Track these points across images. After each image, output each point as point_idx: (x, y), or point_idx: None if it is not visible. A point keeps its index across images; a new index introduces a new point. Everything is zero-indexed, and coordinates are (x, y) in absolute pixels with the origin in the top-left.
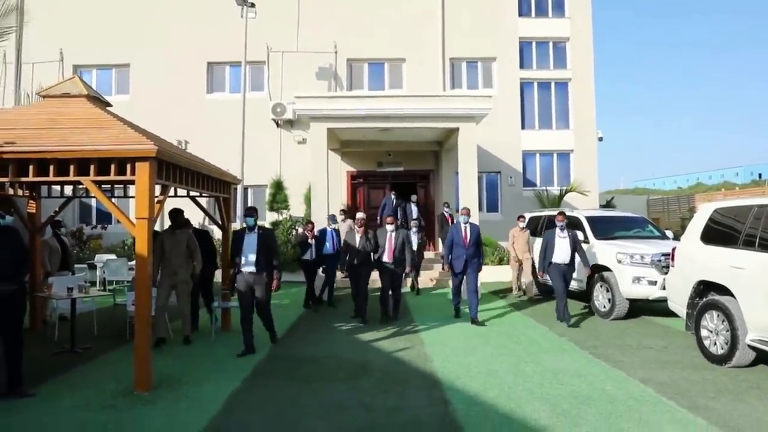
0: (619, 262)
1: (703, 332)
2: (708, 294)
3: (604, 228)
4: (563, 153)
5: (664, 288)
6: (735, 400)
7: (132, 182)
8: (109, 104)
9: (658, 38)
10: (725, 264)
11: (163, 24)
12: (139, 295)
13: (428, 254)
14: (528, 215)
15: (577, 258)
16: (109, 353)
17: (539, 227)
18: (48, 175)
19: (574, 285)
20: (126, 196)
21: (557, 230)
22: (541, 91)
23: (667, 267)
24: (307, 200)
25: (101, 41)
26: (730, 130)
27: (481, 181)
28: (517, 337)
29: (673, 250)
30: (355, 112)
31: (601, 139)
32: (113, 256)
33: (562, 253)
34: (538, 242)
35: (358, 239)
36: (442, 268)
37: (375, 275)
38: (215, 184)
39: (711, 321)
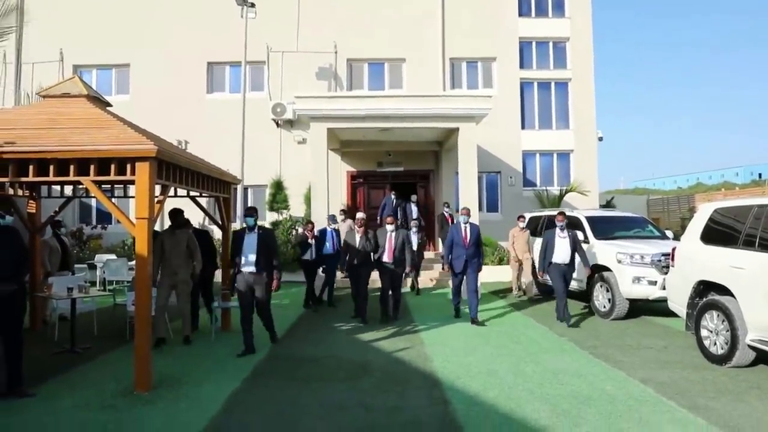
0: (619, 262)
1: (703, 332)
2: (708, 294)
3: (604, 228)
4: (563, 153)
5: (664, 288)
6: (735, 400)
7: (132, 182)
8: (109, 104)
9: (658, 38)
10: (725, 264)
11: (163, 24)
12: (139, 295)
13: (428, 254)
14: (528, 215)
15: (577, 258)
16: (109, 353)
17: (539, 227)
18: (48, 175)
19: (574, 285)
20: (126, 196)
21: (557, 230)
22: (541, 91)
23: (667, 267)
24: (307, 200)
25: (101, 41)
26: (730, 130)
27: (481, 181)
28: (517, 337)
29: (673, 250)
30: (355, 112)
31: (601, 139)
32: (113, 256)
33: (562, 253)
34: (538, 242)
35: (358, 239)
36: (442, 268)
37: (375, 275)
38: (215, 184)
39: (711, 321)
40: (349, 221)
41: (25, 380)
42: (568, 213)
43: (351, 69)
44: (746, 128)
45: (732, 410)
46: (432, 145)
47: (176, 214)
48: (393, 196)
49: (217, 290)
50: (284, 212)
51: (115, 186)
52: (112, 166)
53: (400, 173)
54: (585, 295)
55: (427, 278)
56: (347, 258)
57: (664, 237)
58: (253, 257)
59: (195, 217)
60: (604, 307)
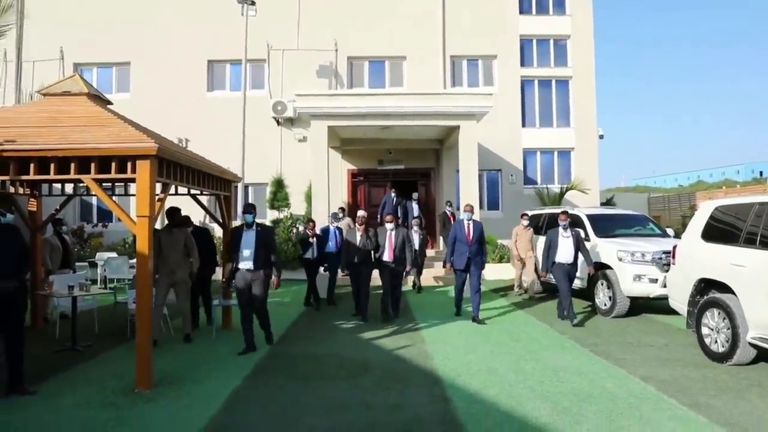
0: (620, 259)
1: (704, 330)
2: (709, 292)
3: (605, 226)
4: (564, 151)
5: (665, 286)
6: (736, 398)
7: (133, 180)
8: (109, 102)
9: (659, 34)
10: (726, 262)
11: (163, 22)
12: (140, 293)
13: (429, 252)
14: (529, 213)
15: (580, 257)
16: (110, 351)
17: (540, 225)
18: (49, 173)
19: (575, 283)
20: (127, 194)
21: (560, 229)
22: (542, 89)
23: (668, 265)
24: (308, 198)
25: (102, 39)
26: (732, 127)
27: (481, 179)
28: (517, 335)
29: (674, 247)
30: (355, 110)
31: (601, 136)
32: (114, 254)
33: (565, 252)
34: (541, 240)
35: (358, 237)
36: (443, 266)
37: (375, 273)
38: (216, 182)
39: (712, 319)
40: (348, 220)
41: (26, 378)
42: (569, 211)
43: (351, 67)
44: (747, 125)
45: (733, 408)
46: (433, 143)
47: (173, 212)
48: (393, 195)
49: (216, 289)
50: (285, 210)
51: (116, 184)
52: (113, 164)
53: (400, 171)
54: (585, 293)
55: (429, 276)
56: (347, 256)
57: (665, 235)
58: (251, 254)
59: (196, 215)
60: (605, 304)
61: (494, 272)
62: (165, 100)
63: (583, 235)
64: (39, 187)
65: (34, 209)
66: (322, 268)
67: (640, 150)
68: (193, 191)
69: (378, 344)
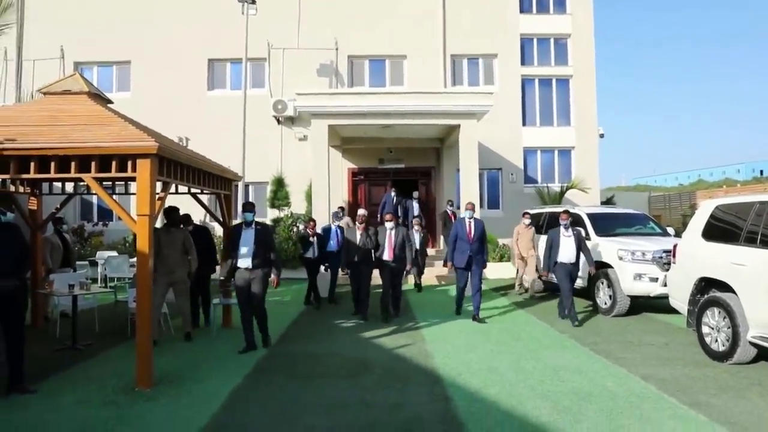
0: (621, 258)
1: (705, 329)
2: (709, 291)
3: (606, 225)
4: (564, 150)
5: (665, 285)
6: (736, 397)
7: (133, 179)
8: (110, 101)
9: (659, 34)
10: (727, 261)
11: (163, 21)
12: (140, 292)
13: (429, 251)
14: (531, 212)
15: (582, 256)
16: (111, 350)
17: (541, 224)
18: (49, 172)
19: (577, 282)
20: (127, 193)
21: (561, 229)
22: (543, 88)
23: (669, 264)
24: (309, 197)
25: (102, 38)
26: (732, 126)
27: (482, 178)
28: (517, 334)
29: (675, 246)
30: (356, 109)
31: (602, 135)
32: (114, 253)
33: (567, 252)
34: (542, 240)
35: (358, 236)
36: (444, 265)
37: (376, 273)
38: (216, 181)
39: (712, 318)
40: (347, 219)
41: (26, 377)
42: (570, 210)
43: (352, 66)
44: (748, 125)
45: (733, 407)
46: (433, 142)
47: (171, 212)
48: (393, 194)
49: (215, 288)
50: (285, 209)
51: (116, 183)
52: (113, 163)
53: (401, 170)
54: (585, 292)
55: (432, 276)
56: (347, 255)
57: (665, 234)
58: (250, 253)
59: (196, 214)
60: (606, 303)
61: (495, 271)
62: (165, 99)
63: (583, 234)
64: (39, 186)
65: (35, 208)
66: (323, 268)
67: (641, 149)
68: (193, 190)
69: (378, 343)
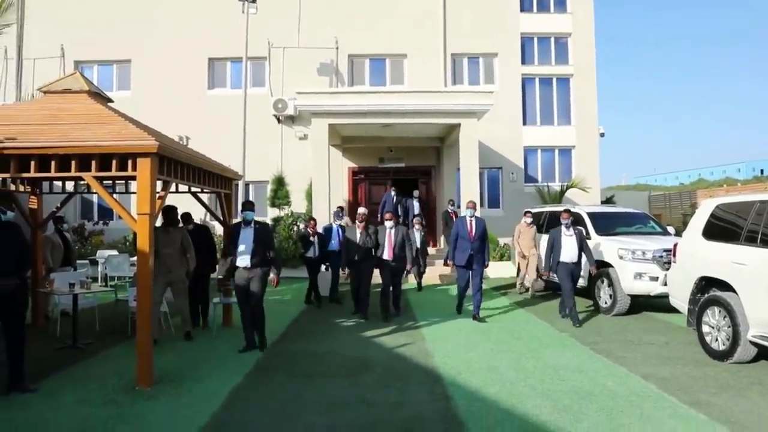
0: (621, 258)
1: (705, 328)
2: (710, 290)
3: (606, 224)
4: (565, 149)
5: (665, 284)
6: (736, 396)
7: (133, 178)
8: (110, 100)
9: (660, 34)
10: (727, 260)
11: (164, 20)
12: (141, 291)
13: (430, 250)
14: (532, 210)
15: (584, 255)
16: (111, 349)
17: (541, 223)
18: (49, 171)
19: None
20: (127, 191)
21: (563, 228)
22: (543, 87)
23: (669, 263)
24: (309, 196)
25: (102, 37)
26: (732, 125)
27: (482, 177)
28: (518, 333)
29: (675, 246)
30: (356, 108)
31: (602, 134)
32: (115, 252)
33: (569, 251)
34: (544, 239)
35: (358, 235)
36: (444, 264)
37: (376, 272)
38: (216, 180)
39: (713, 317)
40: (346, 219)
41: (27, 376)
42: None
43: (352, 65)
44: (748, 125)
45: (733, 406)
46: (433, 141)
47: (169, 211)
48: (393, 193)
49: (215, 287)
50: (285, 208)
51: (117, 182)
52: (114, 162)
53: (401, 169)
54: (586, 292)
55: (435, 275)
56: (348, 254)
57: (665, 233)
58: (249, 252)
59: (196, 213)
60: (606, 303)
61: (495, 270)
62: (166, 98)
63: (584, 233)
64: (40, 185)
65: (35, 207)
66: (323, 267)
67: (641, 149)
68: (193, 189)
69: (378, 342)
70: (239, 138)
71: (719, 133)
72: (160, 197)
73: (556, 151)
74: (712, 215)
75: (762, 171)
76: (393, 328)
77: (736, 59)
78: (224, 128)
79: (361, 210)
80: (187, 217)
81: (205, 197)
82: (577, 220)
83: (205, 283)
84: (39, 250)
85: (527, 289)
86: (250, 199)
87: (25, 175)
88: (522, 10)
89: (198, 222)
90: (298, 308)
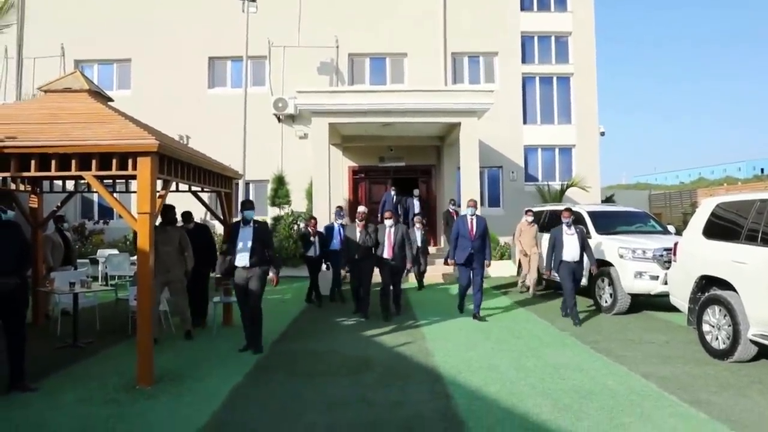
0: (621, 257)
1: (705, 327)
2: (710, 289)
3: (606, 223)
4: (565, 148)
5: (666, 283)
6: (737, 395)
7: (134, 177)
8: (110, 99)
9: (660, 33)
10: (727, 259)
11: (164, 19)
12: (141, 290)
13: (430, 249)
14: (534, 209)
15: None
16: (112, 348)
17: (541, 222)
18: (50, 170)
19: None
20: (128, 191)
21: (564, 227)
22: (543, 86)
23: (669, 262)
24: (309, 195)
25: (102, 36)
26: (732, 127)
27: (482, 176)
28: (518, 332)
29: (675, 245)
30: (356, 107)
31: (603, 133)
32: (115, 251)
33: (571, 250)
34: (544, 238)
35: (358, 233)
36: (445, 263)
37: (376, 271)
38: (217, 179)
39: (713, 316)
40: (346, 219)
41: (27, 375)
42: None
43: (352, 64)
44: (748, 125)
45: (734, 405)
46: (434, 140)
47: (167, 210)
48: (393, 193)
49: (213, 287)
50: (286, 207)
51: (117, 181)
52: (114, 161)
53: (401, 168)
54: (586, 291)
55: (438, 274)
56: (348, 254)
57: (666, 232)
58: (248, 251)
59: (196, 212)
60: (606, 302)
61: (496, 269)
62: (166, 97)
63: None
64: (40, 184)
65: (35, 206)
66: (324, 266)
67: (642, 148)
68: (194, 188)
69: (379, 341)
70: (239, 137)
71: (719, 133)
72: (160, 196)
73: (557, 150)
74: (713, 214)
75: (762, 170)
76: (393, 327)
77: (736, 59)
78: (224, 127)
79: (361, 208)
80: (187, 215)
81: (205, 196)
82: (577, 219)
83: (205, 282)
84: (39, 250)
85: (528, 288)
86: (251, 198)
87: (25, 174)
88: (522, 8)
89: (198, 221)
90: (298, 307)
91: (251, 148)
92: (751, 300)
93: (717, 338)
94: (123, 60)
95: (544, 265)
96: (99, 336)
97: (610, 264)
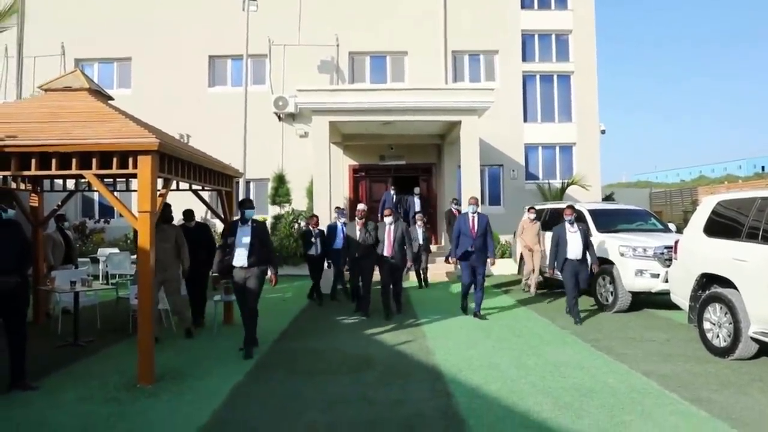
0: (622, 255)
1: (706, 325)
2: (711, 287)
3: (607, 221)
4: (566, 146)
5: (666, 281)
6: (738, 393)
7: (134, 176)
8: (110, 98)
9: (660, 33)
10: (728, 256)
11: (164, 17)
12: (142, 289)
13: (431, 247)
14: (537, 207)
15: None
16: (112, 346)
17: (542, 220)
18: (50, 169)
19: None
20: (128, 189)
21: (567, 225)
22: (544, 84)
23: (670, 260)
24: (310, 194)
25: (103, 35)
26: (732, 127)
27: (483, 175)
28: (519, 330)
29: (676, 242)
30: (357, 106)
31: (603, 131)
32: (116, 250)
33: (574, 248)
34: (546, 236)
35: (357, 232)
36: (446, 261)
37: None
38: (217, 178)
39: (714, 314)
40: (345, 219)
41: (28, 373)
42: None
43: (353, 62)
44: (748, 125)
45: (735, 403)
46: (434, 138)
47: (163, 208)
48: (392, 192)
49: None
50: (286, 206)
51: (118, 180)
52: (114, 160)
53: (402, 167)
54: (588, 289)
55: (440, 272)
56: (349, 252)
57: (666, 230)
58: (246, 251)
59: (197, 211)
60: (607, 300)
61: (496, 268)
62: (166, 96)
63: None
64: (40, 183)
65: (36, 205)
66: (326, 264)
67: (642, 147)
68: (194, 187)
69: (379, 340)
70: (240, 136)
71: (719, 133)
72: (161, 195)
73: (557, 149)
74: (713, 212)
75: (763, 168)
76: (394, 326)
77: (736, 59)
78: (225, 126)
79: (361, 206)
80: (189, 214)
81: (206, 195)
82: (578, 218)
83: (205, 281)
84: (40, 248)
85: (529, 287)
86: (251, 197)
87: (25, 173)
88: (523, 7)
89: (199, 220)
90: (299, 306)
91: (252, 147)
92: (751, 297)
93: (718, 336)
94: (123, 59)
95: (547, 263)
96: (100, 335)
97: (611, 262)
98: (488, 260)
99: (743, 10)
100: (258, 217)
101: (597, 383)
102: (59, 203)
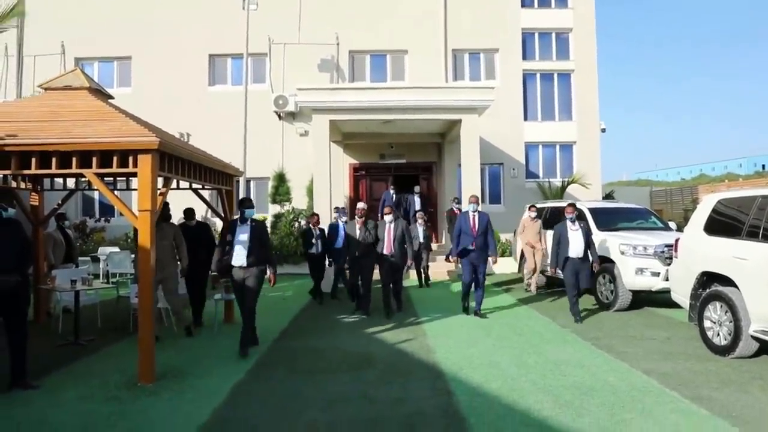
0: (623, 253)
1: (707, 323)
2: (711, 285)
3: (607, 219)
4: (566, 144)
5: (667, 279)
6: (738, 391)
7: (134, 175)
8: (111, 97)
9: (660, 33)
10: (729, 255)
11: (164, 16)
12: (142, 288)
13: (432, 246)
14: (538, 205)
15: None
16: (113, 345)
17: (543, 218)
18: (50, 168)
19: None
20: (129, 188)
21: (568, 223)
22: (544, 83)
23: (670, 258)
24: (310, 192)
25: (103, 34)
26: (732, 127)
27: (483, 173)
28: (519, 328)
29: (677, 241)
30: (357, 104)
31: (603, 130)
32: (116, 249)
33: (576, 246)
34: (548, 234)
35: (357, 231)
36: (446, 259)
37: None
38: (217, 177)
39: (714, 312)
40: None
41: (29, 372)
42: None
43: (353, 61)
44: (748, 124)
45: (735, 401)
46: (434, 137)
47: (161, 207)
48: (392, 191)
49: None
50: (287, 205)
51: (118, 178)
52: (115, 159)
53: (402, 165)
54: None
55: (442, 270)
56: (350, 251)
57: (667, 228)
58: (245, 250)
59: (197, 210)
60: (607, 298)
61: (497, 266)
62: (166, 95)
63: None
64: (41, 182)
65: (36, 204)
66: (327, 262)
67: (643, 146)
68: (194, 186)
69: (380, 338)
70: (240, 134)
71: (719, 133)
72: (161, 194)
73: (557, 147)
74: (714, 210)
75: (764, 166)
76: (394, 324)
77: (736, 59)
78: (225, 125)
79: (360, 205)
80: (190, 212)
81: (206, 194)
82: (579, 216)
83: (205, 281)
84: (41, 247)
85: (529, 285)
86: (251, 196)
87: (26, 172)
88: (523, 5)
89: (199, 219)
90: (299, 305)
91: (252, 146)
92: (752, 296)
93: (718, 334)
94: (123, 57)
95: (549, 261)
96: (100, 333)
97: (611, 261)
98: (490, 258)
99: (743, 10)
100: (258, 216)
101: (597, 381)
102: (59, 202)
